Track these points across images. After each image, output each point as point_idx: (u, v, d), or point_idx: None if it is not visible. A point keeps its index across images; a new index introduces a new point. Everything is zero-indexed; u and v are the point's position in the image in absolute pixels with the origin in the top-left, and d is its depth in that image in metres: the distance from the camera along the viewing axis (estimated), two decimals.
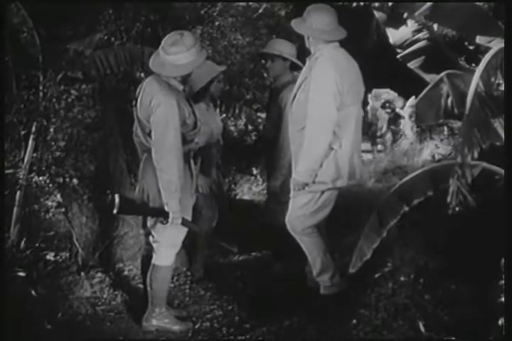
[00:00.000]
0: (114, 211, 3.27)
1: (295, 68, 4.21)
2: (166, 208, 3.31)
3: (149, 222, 3.49)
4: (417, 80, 4.48)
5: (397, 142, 8.43)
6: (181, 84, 3.37)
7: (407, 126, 8.39)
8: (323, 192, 3.42)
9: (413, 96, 8.25)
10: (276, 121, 4.19)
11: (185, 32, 3.38)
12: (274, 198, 4.38)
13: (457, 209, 2.48)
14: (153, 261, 3.51)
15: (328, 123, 3.29)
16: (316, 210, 3.45)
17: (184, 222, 3.37)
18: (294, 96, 3.45)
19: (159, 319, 3.57)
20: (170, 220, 3.31)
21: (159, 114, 3.25)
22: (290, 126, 3.50)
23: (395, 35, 4.28)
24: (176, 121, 3.26)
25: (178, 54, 3.25)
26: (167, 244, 3.47)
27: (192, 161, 3.50)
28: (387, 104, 8.97)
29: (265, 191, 4.99)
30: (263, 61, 4.40)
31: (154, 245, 3.50)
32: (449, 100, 3.27)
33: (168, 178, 3.27)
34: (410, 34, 4.24)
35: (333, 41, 3.40)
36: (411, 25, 4.29)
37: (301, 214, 3.45)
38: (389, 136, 8.76)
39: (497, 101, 2.63)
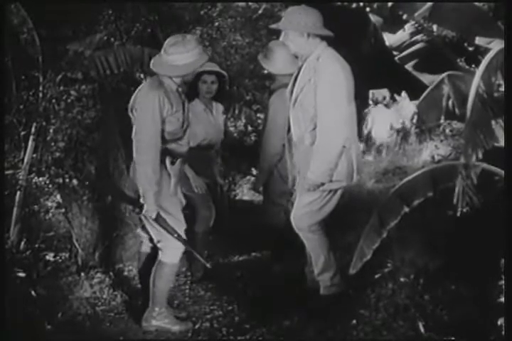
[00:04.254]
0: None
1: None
2: (141, 200, 3.37)
3: (147, 224, 3.51)
4: (415, 82, 4.49)
5: (398, 142, 8.42)
6: (176, 84, 3.40)
7: (407, 126, 8.38)
8: (331, 190, 3.44)
9: (403, 94, 8.27)
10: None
11: (188, 35, 3.44)
12: (268, 199, 4.39)
13: (464, 210, 2.49)
14: (159, 257, 3.53)
15: (342, 122, 3.31)
16: (322, 206, 3.46)
17: (165, 227, 3.41)
18: (295, 99, 3.44)
19: (159, 319, 3.57)
20: (144, 212, 3.36)
21: (139, 106, 3.33)
22: (295, 129, 3.48)
23: (391, 38, 4.28)
24: (156, 115, 3.29)
25: (177, 54, 3.29)
26: (170, 244, 3.48)
27: (168, 161, 3.45)
28: (387, 105, 8.96)
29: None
30: None
31: (159, 245, 3.51)
32: (451, 101, 3.28)
33: (142, 170, 3.32)
34: (408, 36, 4.24)
35: (323, 39, 3.41)
36: (408, 27, 4.29)
37: (308, 210, 3.46)
38: (393, 137, 8.74)
39: (498, 101, 2.64)
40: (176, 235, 3.43)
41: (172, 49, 3.30)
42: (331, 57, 3.36)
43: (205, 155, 4.29)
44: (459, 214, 2.51)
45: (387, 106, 8.95)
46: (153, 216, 3.37)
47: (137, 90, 3.41)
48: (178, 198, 3.56)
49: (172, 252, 3.50)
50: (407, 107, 8.34)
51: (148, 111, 3.30)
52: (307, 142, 3.41)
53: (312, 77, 3.34)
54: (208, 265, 3.61)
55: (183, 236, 3.48)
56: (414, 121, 7.41)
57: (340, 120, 3.29)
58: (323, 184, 3.37)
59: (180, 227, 3.50)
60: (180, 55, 3.29)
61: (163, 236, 3.46)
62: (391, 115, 8.82)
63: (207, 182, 4.30)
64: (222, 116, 4.53)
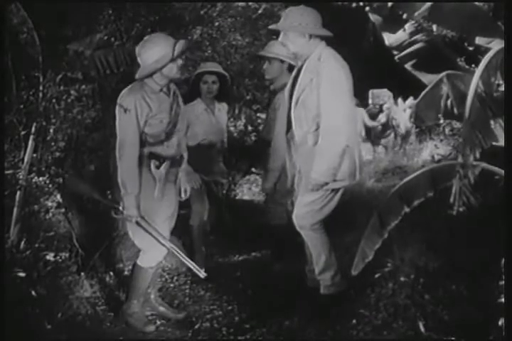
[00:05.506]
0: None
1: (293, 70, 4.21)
2: (121, 204, 3.39)
3: (130, 230, 3.52)
4: (415, 81, 4.49)
5: (399, 143, 8.45)
6: (159, 86, 3.38)
7: (406, 126, 8.40)
8: (333, 189, 3.44)
9: (411, 97, 8.28)
10: (272, 124, 4.20)
11: (155, 33, 3.50)
12: (271, 199, 4.39)
13: (461, 209, 2.49)
14: (137, 260, 3.59)
15: (346, 121, 3.33)
16: (324, 205, 3.47)
17: (149, 233, 3.40)
18: (297, 100, 3.43)
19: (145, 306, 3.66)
20: (125, 216, 3.39)
21: (117, 111, 3.34)
22: (297, 130, 3.48)
23: (390, 37, 4.28)
24: (131, 120, 3.30)
25: (144, 54, 3.33)
26: (150, 248, 3.50)
27: (153, 165, 3.43)
28: (386, 105, 8.97)
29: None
30: (262, 62, 4.39)
31: (140, 246, 3.57)
32: (449, 101, 3.28)
33: (120, 174, 3.33)
34: (407, 36, 4.24)
35: (322, 39, 3.42)
36: (408, 27, 4.29)
37: (309, 209, 3.47)
38: (391, 137, 8.77)
39: (497, 101, 2.64)
40: (162, 240, 3.41)
41: (140, 50, 3.33)
42: (332, 57, 3.38)
43: (205, 154, 4.31)
44: (454, 213, 2.51)
45: (357, 105, 8.97)
46: (133, 220, 3.36)
47: (120, 94, 3.40)
48: (165, 203, 3.52)
49: (150, 257, 3.53)
50: (401, 108, 8.35)
51: (124, 116, 3.29)
52: (310, 142, 3.41)
53: (314, 77, 3.35)
54: (201, 274, 3.51)
55: (168, 241, 3.45)
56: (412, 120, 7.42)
57: (344, 119, 3.31)
58: (326, 183, 3.38)
59: (164, 233, 3.48)
60: (146, 54, 3.30)
61: (143, 241, 3.47)
62: (363, 114, 8.83)
63: (206, 180, 4.31)
64: (226, 116, 4.53)
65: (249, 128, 7.13)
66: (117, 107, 3.34)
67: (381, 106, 8.97)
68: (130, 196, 3.32)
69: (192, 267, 3.52)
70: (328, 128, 3.31)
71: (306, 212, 3.48)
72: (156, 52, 3.28)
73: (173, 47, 3.29)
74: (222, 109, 4.45)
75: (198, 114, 4.26)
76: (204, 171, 4.30)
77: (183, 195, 3.68)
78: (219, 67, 4.39)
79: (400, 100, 8.71)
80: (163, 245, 3.42)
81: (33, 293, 3.29)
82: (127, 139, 3.31)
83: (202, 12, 5.67)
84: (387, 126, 8.84)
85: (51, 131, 3.98)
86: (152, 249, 3.47)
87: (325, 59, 3.36)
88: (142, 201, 3.37)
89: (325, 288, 3.57)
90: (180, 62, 3.36)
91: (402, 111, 8.57)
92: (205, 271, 4.31)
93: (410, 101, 8.24)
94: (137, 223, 3.37)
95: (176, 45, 3.30)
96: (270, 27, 3.60)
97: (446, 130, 6.91)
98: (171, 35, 3.58)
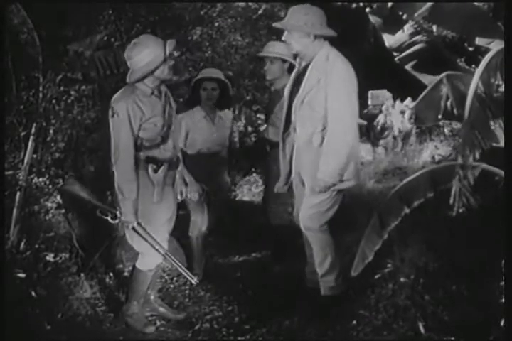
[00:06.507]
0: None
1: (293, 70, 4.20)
2: (117, 208, 3.36)
3: (128, 234, 3.51)
4: (415, 82, 4.50)
5: (399, 144, 8.43)
6: (150, 89, 3.33)
7: (406, 127, 8.38)
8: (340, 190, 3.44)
9: (409, 98, 8.28)
10: (280, 125, 4.18)
11: (143, 35, 3.39)
12: (274, 199, 4.38)
13: (460, 210, 2.49)
14: (136, 263, 3.58)
15: (354, 121, 3.33)
16: (331, 206, 3.47)
17: (144, 238, 3.37)
18: (303, 100, 3.41)
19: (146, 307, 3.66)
20: (122, 221, 3.35)
21: (110, 116, 3.30)
22: (300, 130, 3.46)
23: (390, 39, 4.28)
24: (124, 126, 3.26)
25: (135, 57, 3.26)
26: (149, 252, 3.48)
27: (150, 169, 3.39)
28: (385, 106, 8.97)
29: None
30: (263, 62, 4.35)
31: (138, 250, 3.55)
32: (449, 101, 3.28)
33: (116, 179, 3.30)
34: (407, 37, 4.25)
35: (326, 39, 3.41)
36: (407, 28, 4.30)
37: (316, 211, 3.45)
38: (390, 138, 8.75)
39: (497, 102, 2.64)
40: (157, 246, 3.38)
41: (130, 53, 3.26)
42: (339, 58, 3.35)
43: (206, 163, 4.24)
44: (454, 214, 2.51)
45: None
46: (130, 226, 3.34)
47: (112, 98, 3.36)
48: (164, 206, 3.49)
49: (149, 260, 3.52)
50: (397, 110, 8.34)
51: (114, 120, 3.27)
52: (316, 143, 3.38)
53: (322, 77, 3.31)
54: (193, 281, 3.45)
55: (165, 247, 3.43)
56: (412, 121, 7.42)
57: (351, 119, 3.32)
58: (334, 184, 3.36)
59: (163, 236, 3.47)
60: (137, 57, 3.24)
61: (141, 245, 3.45)
62: None
63: (206, 189, 4.26)
64: (231, 123, 4.44)
65: (250, 128, 7.13)
66: (109, 111, 3.31)
67: (380, 107, 8.97)
68: (127, 201, 3.29)
69: (184, 273, 3.44)
70: (336, 129, 3.29)
71: (313, 213, 3.45)
72: (146, 54, 3.22)
73: (164, 47, 3.24)
74: (224, 117, 4.34)
75: (196, 121, 4.20)
76: (205, 180, 4.25)
77: (179, 197, 3.66)
78: (219, 73, 4.31)
79: (397, 101, 8.71)
80: (157, 251, 3.40)
81: (33, 293, 3.30)
82: (120, 143, 3.28)
83: (202, 12, 5.68)
84: (385, 127, 8.82)
85: (51, 131, 3.99)
86: (151, 253, 3.46)
87: (332, 59, 3.33)
88: (141, 205, 3.34)
89: (326, 289, 3.54)
90: (171, 62, 3.31)
91: (398, 113, 8.56)
92: (205, 272, 4.36)
93: (408, 102, 8.24)
94: (133, 229, 3.35)
95: (167, 46, 3.25)
96: (274, 25, 3.54)
97: (446, 130, 6.91)
98: (171, 35, 3.57)
